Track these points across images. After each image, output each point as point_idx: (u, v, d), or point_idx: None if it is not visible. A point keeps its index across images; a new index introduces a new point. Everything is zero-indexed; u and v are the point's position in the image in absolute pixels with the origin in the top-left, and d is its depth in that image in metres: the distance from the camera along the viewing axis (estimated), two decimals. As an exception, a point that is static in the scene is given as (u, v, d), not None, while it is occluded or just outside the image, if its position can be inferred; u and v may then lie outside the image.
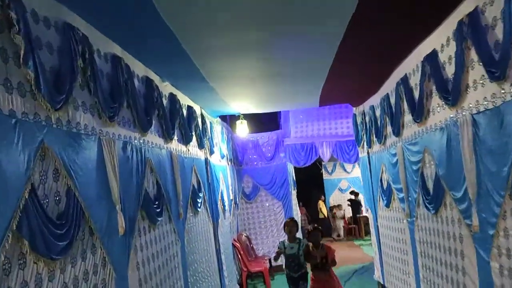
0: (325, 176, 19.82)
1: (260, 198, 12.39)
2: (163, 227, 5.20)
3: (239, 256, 10.19)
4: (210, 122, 8.81)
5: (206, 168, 8.17)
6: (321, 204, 18.88)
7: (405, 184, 6.25)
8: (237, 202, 11.46)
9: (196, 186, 7.31)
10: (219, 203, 8.75)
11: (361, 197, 18.37)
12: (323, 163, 19.42)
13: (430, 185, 5.29)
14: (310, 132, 12.29)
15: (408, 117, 5.87)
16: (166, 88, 6.14)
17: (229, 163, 10.31)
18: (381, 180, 7.59)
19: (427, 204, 5.34)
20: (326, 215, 18.63)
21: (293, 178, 12.80)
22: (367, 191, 8.72)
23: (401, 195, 6.53)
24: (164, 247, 5.16)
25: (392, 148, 6.74)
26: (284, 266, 7.59)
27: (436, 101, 4.80)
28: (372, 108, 7.60)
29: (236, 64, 6.02)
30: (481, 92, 3.79)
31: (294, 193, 12.87)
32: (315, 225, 7.77)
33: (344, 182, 19.74)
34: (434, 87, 4.76)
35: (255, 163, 12.40)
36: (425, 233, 5.70)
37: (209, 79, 6.34)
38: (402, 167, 6.27)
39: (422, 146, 5.39)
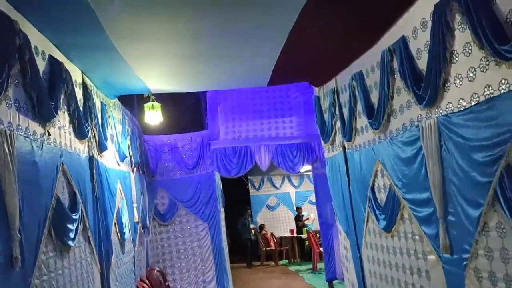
0: (252, 192, 16.74)
1: (179, 219, 8.95)
2: None
3: (148, 304, 6.71)
4: (103, 103, 5.38)
5: (92, 172, 4.71)
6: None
7: (441, 191, 3.31)
8: (148, 226, 7.96)
9: (66, 202, 3.88)
10: (114, 229, 5.28)
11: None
12: (250, 177, 16.46)
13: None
14: (244, 133, 9.15)
15: (466, 62, 2.95)
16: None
17: (135, 169, 6.84)
18: (372, 188, 4.61)
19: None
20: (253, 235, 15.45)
21: (221, 193, 9.55)
22: (340, 206, 5.69)
23: (425, 211, 3.59)
24: None
25: (406, 132, 3.80)
26: None
27: None
28: (359, 77, 4.64)
29: None
30: None
31: (222, 211, 9.61)
32: None
33: (273, 199, 16.81)
34: None
35: (173, 173, 8.98)
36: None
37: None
38: (435, 161, 3.33)
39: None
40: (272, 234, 15.38)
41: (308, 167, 10.03)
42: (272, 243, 15.24)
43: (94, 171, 4.72)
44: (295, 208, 16.12)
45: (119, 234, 5.51)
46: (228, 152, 8.96)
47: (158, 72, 5.19)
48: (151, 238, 8.43)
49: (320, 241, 12.64)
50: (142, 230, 7.27)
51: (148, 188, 8.26)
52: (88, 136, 4.65)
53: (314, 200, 16.99)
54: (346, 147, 5.29)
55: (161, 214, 8.83)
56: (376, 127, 4.27)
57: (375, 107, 4.32)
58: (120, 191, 5.82)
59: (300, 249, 14.72)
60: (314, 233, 12.87)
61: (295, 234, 14.99)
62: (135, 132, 7.05)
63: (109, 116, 5.51)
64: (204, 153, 8.98)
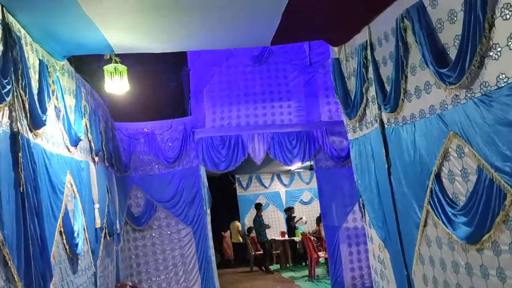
0: (240, 191, 15.03)
1: (158, 223, 7.21)
2: None
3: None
4: (42, 61, 3.66)
5: (16, 155, 2.99)
6: (237, 225, 14.00)
7: None
8: (118, 232, 6.22)
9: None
10: (58, 241, 3.55)
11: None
12: (236, 176, 14.81)
13: None
14: (234, 120, 7.49)
15: None
16: None
17: (97, 159, 5.10)
18: (438, 176, 3.01)
19: None
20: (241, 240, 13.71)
21: (207, 190, 7.86)
22: (372, 204, 4.03)
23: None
24: None
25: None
26: None
27: None
28: (417, 11, 3.02)
29: None
30: None
31: (209, 213, 7.91)
32: None
33: (262, 199, 15.12)
34: None
35: (149, 167, 7.24)
36: None
37: None
38: None
39: None
40: (261, 237, 13.68)
41: (300, 163, 8.39)
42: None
43: (20, 154, 3.00)
44: (284, 209, 14.50)
45: (67, 247, 3.78)
46: (216, 142, 7.28)
47: (119, 9, 3.47)
48: (122, 247, 6.69)
49: (317, 244, 11.13)
50: (109, 238, 5.54)
51: (118, 186, 6.53)
52: (9, 100, 2.94)
53: (305, 200, 15.59)
54: (386, 121, 3.67)
55: (136, 217, 7.08)
56: (454, 80, 2.66)
57: (451, 49, 2.72)
58: (72, 186, 4.11)
59: (292, 253, 13.08)
60: (309, 236, 11.25)
61: (287, 237, 13.34)
62: (98, 112, 5.31)
63: (52, 82, 3.78)
64: (187, 144, 7.29)
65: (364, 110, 4.00)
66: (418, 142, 3.17)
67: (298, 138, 7.45)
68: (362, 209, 4.35)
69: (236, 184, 14.89)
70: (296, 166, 13.72)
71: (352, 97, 4.17)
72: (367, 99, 3.93)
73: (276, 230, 14.53)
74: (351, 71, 4.21)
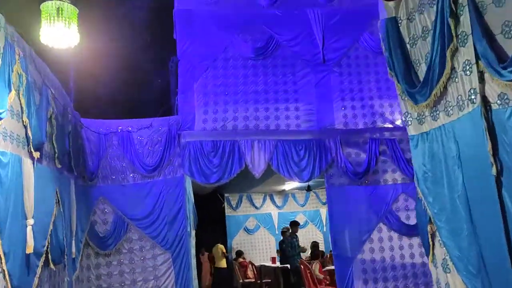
0: (228, 211, 13.35)
1: (129, 246, 5.56)
2: None
3: None
4: None
5: None
6: (221, 248, 12.16)
7: None
8: (73, 257, 4.55)
9: None
10: None
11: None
12: (226, 195, 13.20)
13: None
14: (230, 122, 5.95)
15: None
16: None
17: (39, 157, 3.47)
18: None
19: None
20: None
21: (193, 207, 6.23)
22: (457, 232, 2.44)
23: None
24: None
25: None
26: None
27: None
28: None
29: None
30: None
31: (193, 236, 6.26)
32: None
33: (252, 220, 13.49)
34: None
35: (123, 175, 5.64)
36: None
37: None
38: None
39: None
40: (250, 263, 11.99)
41: (295, 184, 6.70)
42: (250, 274, 11.81)
43: None
44: (277, 232, 12.79)
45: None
46: (207, 149, 5.72)
47: None
48: (79, 276, 4.99)
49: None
50: (54, 267, 3.87)
51: (80, 197, 4.91)
52: None
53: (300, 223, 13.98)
54: (496, 98, 2.16)
55: (101, 237, 5.43)
56: None
57: None
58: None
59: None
60: (306, 263, 9.56)
61: (278, 264, 11.52)
62: (46, 91, 3.71)
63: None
64: (171, 149, 5.74)
65: (445, 86, 2.50)
66: None
67: (306, 148, 5.94)
68: (430, 241, 2.78)
69: (225, 204, 13.26)
70: (291, 186, 12.16)
71: (422, 70, 2.67)
72: (452, 68, 2.44)
73: (266, 255, 12.87)
74: (419, 32, 2.73)
